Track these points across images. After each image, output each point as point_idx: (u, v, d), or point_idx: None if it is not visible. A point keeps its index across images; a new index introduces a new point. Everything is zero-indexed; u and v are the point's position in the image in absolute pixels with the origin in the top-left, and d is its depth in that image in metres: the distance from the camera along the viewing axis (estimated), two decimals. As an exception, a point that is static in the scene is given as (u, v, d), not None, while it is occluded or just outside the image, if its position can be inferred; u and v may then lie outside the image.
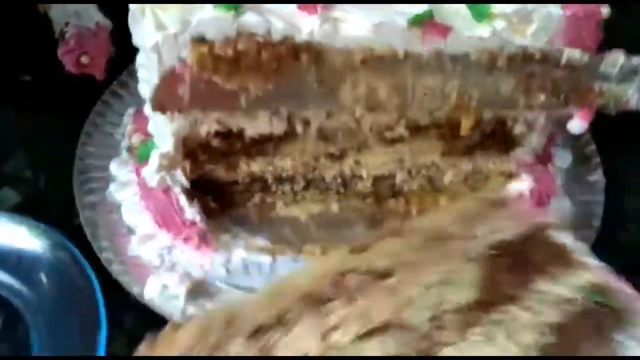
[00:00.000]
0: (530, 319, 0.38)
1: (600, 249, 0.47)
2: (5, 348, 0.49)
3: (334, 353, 0.35)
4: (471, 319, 0.38)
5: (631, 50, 0.47)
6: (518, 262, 0.41)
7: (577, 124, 0.48)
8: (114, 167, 0.58)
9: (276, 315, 0.37)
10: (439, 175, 0.56)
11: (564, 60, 0.45)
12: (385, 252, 0.40)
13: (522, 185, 0.54)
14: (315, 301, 0.37)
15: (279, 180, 0.55)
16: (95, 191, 0.57)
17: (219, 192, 0.55)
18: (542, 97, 0.47)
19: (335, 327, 0.36)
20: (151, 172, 0.51)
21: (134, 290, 0.50)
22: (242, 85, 0.45)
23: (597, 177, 0.59)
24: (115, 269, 0.51)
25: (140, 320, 0.50)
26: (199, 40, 0.43)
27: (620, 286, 0.41)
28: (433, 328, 0.37)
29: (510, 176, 0.56)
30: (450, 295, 0.39)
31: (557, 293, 0.39)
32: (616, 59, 0.46)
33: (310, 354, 0.35)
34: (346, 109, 0.48)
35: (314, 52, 0.44)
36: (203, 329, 0.37)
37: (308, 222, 0.56)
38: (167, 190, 0.52)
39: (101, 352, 0.45)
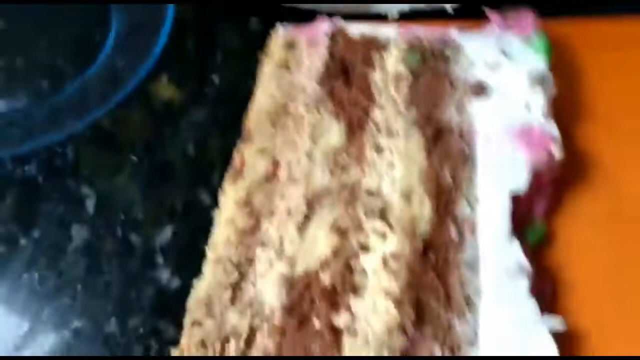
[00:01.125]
0: (392, 112, 0.42)
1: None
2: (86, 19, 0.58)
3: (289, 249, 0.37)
4: (356, 149, 0.41)
5: None
6: (346, 76, 0.44)
7: None
8: None
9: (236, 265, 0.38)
10: None
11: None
12: (255, 155, 0.42)
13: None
14: (248, 236, 0.39)
15: None
16: None
17: None
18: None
19: (280, 240, 0.38)
20: None
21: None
22: None
23: None
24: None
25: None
26: None
27: (426, 32, 0.45)
28: (339, 176, 0.40)
29: None
30: (327, 144, 0.41)
31: (389, 76, 0.43)
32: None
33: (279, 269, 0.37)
34: None
35: None
36: None
37: None
38: None
39: (170, 13, 0.54)
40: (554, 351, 0.33)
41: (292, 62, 0.46)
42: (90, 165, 0.50)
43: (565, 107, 0.42)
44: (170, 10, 0.54)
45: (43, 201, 0.48)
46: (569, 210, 0.40)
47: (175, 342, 0.40)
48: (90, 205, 0.48)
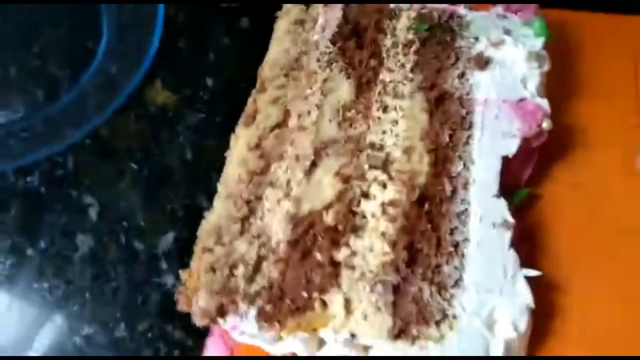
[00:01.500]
0: (399, 75, 0.45)
1: None
2: (76, 24, 0.58)
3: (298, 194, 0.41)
4: (364, 106, 0.44)
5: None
6: (358, 38, 0.47)
7: None
8: None
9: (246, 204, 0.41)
10: None
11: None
12: (268, 103, 0.45)
13: None
14: (258, 176, 0.42)
15: None
16: None
17: None
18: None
19: (288, 181, 0.41)
20: None
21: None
22: None
23: None
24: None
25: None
26: None
27: (436, 6, 0.48)
28: (346, 129, 0.43)
29: None
30: (337, 98, 0.44)
31: (399, 42, 0.46)
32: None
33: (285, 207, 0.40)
34: None
35: None
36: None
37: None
38: None
39: (160, 15, 0.54)
40: (529, 298, 0.36)
41: (307, 20, 0.49)
42: (91, 174, 0.51)
43: (557, 84, 0.45)
44: (161, 13, 0.54)
45: (47, 212, 0.49)
46: (550, 175, 0.44)
47: (183, 344, 0.44)
48: (93, 214, 0.49)
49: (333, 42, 0.47)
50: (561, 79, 0.47)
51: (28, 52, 0.56)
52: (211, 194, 0.46)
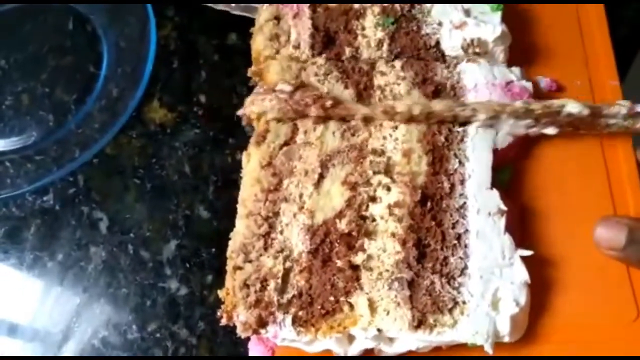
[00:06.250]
0: (392, 76, 0.48)
1: None
2: (78, 52, 0.63)
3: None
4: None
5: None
6: (333, 45, 0.50)
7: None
8: None
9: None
10: None
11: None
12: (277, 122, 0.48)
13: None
14: (272, 193, 0.45)
15: None
16: None
17: None
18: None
19: (300, 195, 0.45)
20: None
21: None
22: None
23: None
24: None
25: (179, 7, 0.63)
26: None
27: None
28: (349, 138, 0.46)
29: None
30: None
31: (372, 41, 0.49)
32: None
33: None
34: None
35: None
36: None
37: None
38: None
39: (153, 39, 0.58)
40: (526, 275, 0.41)
41: (281, 34, 0.51)
42: (100, 190, 0.56)
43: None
44: (154, 36, 0.58)
45: (62, 228, 0.55)
46: (532, 153, 0.48)
47: (188, 342, 0.50)
48: (103, 227, 0.55)
49: (318, 53, 0.50)
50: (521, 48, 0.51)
51: (37, 80, 0.61)
52: (208, 203, 0.53)
